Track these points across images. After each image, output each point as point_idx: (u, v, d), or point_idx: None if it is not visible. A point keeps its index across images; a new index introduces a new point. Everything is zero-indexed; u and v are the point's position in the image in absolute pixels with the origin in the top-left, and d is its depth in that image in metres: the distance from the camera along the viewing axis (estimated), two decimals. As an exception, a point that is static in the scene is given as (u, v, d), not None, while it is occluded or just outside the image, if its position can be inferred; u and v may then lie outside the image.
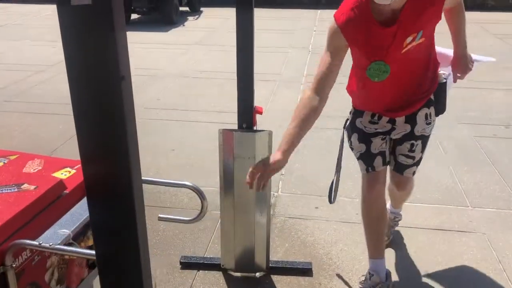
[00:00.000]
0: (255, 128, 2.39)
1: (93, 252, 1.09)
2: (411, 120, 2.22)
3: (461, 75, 2.34)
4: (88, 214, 1.43)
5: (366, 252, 2.75)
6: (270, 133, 2.34)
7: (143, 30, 9.66)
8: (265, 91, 5.60)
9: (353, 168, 3.72)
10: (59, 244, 1.30)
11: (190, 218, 1.65)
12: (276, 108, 5.10)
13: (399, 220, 2.86)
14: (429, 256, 2.73)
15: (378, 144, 2.25)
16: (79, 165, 1.78)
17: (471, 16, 11.62)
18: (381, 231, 2.37)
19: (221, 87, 5.81)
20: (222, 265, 2.60)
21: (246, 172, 2.38)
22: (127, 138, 0.74)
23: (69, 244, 1.37)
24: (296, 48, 8.02)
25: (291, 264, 2.63)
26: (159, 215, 1.66)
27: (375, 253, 2.37)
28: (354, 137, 2.29)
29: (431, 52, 2.16)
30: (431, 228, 2.99)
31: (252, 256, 2.55)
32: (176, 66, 6.93)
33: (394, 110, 2.19)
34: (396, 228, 2.94)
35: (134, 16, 10.88)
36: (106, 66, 0.70)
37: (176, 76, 6.40)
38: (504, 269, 2.61)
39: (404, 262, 2.69)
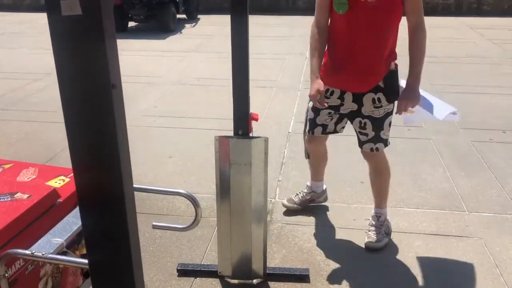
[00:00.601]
0: (251, 134, 2.39)
1: (86, 261, 1.09)
2: (357, 100, 2.62)
3: (399, 108, 2.54)
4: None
5: (364, 259, 2.75)
6: (266, 140, 2.35)
7: (140, 37, 9.69)
8: (262, 98, 5.62)
9: (351, 175, 3.74)
10: (52, 253, 1.30)
11: (185, 226, 1.65)
12: (273, 115, 5.11)
13: (384, 220, 2.92)
14: (426, 261, 2.73)
15: (323, 118, 2.74)
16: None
17: (467, 21, 11.72)
18: (320, 166, 3.15)
19: (218, 94, 5.83)
20: (219, 272, 2.59)
21: (242, 178, 2.40)
22: (118, 146, 0.74)
23: (63, 253, 1.37)
24: (292, 54, 8.04)
25: (288, 271, 2.63)
26: (153, 223, 1.66)
27: (314, 177, 3.18)
28: (310, 103, 2.77)
29: (389, 36, 2.49)
30: (428, 233, 2.99)
31: (249, 263, 2.55)
32: (174, 73, 6.94)
33: (345, 81, 2.60)
34: (393, 233, 2.95)
35: (131, 23, 10.91)
36: (97, 75, 0.70)
37: (173, 83, 6.41)
38: (501, 273, 2.61)
39: (401, 267, 2.69)
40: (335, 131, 2.82)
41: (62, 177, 1.75)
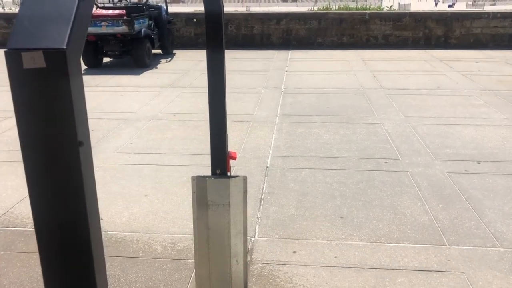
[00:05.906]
0: (229, 173, 2.34)
1: None
2: None
3: None
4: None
5: (346, 298, 2.68)
6: (244, 179, 2.30)
7: (115, 73, 9.63)
8: (239, 132, 5.59)
9: (331, 209, 3.70)
10: None
11: None
12: (250, 149, 5.07)
13: None
14: (410, 299, 2.67)
15: None
16: None
17: (436, 54, 12.06)
18: None
19: (195, 129, 5.77)
20: (198, 318, 2.48)
21: (221, 219, 2.33)
22: (87, 208, 0.68)
23: None
24: (268, 88, 8.10)
25: (270, 314, 2.54)
26: None
27: None
28: None
29: None
30: (410, 269, 2.95)
31: (229, 308, 2.45)
32: (149, 109, 6.88)
33: None
34: (376, 270, 2.89)
35: (106, 59, 10.86)
36: (63, 133, 0.65)
37: (149, 119, 6.34)
38: (485, 309, 2.57)
39: (386, 306, 2.63)
40: None
41: None
